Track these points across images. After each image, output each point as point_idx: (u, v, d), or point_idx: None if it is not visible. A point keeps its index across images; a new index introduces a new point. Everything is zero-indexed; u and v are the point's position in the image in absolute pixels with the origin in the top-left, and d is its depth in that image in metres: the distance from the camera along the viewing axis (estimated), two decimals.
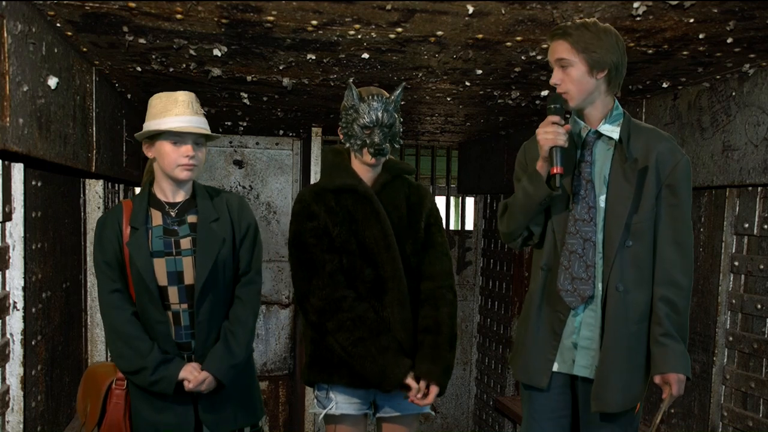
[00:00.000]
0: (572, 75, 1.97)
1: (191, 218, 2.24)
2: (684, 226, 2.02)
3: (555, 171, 1.99)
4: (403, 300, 2.28)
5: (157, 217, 2.23)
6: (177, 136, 2.16)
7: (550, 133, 1.97)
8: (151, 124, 2.17)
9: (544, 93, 3.23)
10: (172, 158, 2.17)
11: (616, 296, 2.00)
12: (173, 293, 2.19)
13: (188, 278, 2.19)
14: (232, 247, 2.26)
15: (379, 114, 2.24)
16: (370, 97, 2.26)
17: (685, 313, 2.02)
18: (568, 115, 2.09)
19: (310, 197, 2.31)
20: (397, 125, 2.31)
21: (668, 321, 1.98)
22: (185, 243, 2.21)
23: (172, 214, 2.24)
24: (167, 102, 2.17)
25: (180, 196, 2.26)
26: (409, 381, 2.24)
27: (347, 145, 2.32)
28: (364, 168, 2.34)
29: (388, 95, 2.30)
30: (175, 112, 2.15)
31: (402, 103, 3.49)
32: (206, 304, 2.19)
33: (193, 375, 2.16)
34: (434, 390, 2.27)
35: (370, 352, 2.21)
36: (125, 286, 2.19)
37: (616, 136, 2.03)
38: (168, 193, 2.25)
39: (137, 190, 4.92)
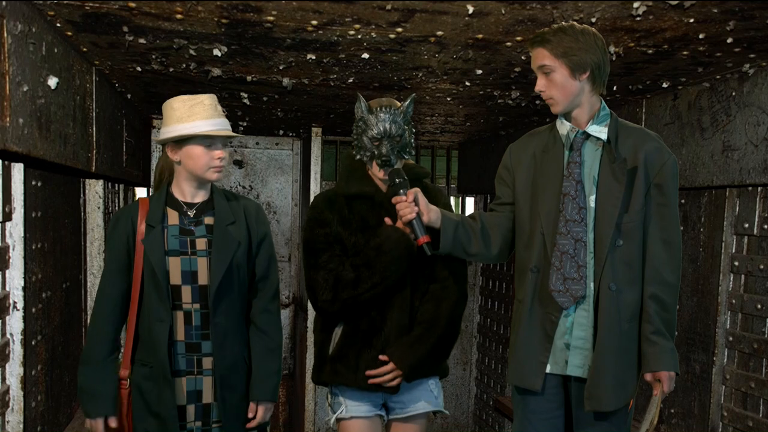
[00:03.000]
0: (555, 80, 2.00)
1: (208, 220, 2.25)
2: (672, 224, 2.05)
3: (421, 242, 2.13)
4: (403, 305, 2.28)
5: (173, 217, 2.24)
6: (209, 140, 2.18)
7: (400, 211, 2.13)
8: (179, 128, 2.16)
9: None
10: (204, 161, 2.18)
11: (608, 295, 2.01)
12: (186, 292, 2.20)
13: (202, 278, 2.20)
14: (248, 251, 2.28)
15: (387, 125, 2.25)
16: (379, 109, 2.27)
17: (673, 309, 2.05)
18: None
19: (324, 204, 2.33)
20: (407, 136, 2.30)
21: (658, 318, 2.02)
22: (200, 243, 2.22)
23: (189, 214, 2.25)
24: (194, 105, 2.17)
25: (199, 197, 2.27)
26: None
27: (358, 156, 2.33)
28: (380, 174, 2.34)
29: (398, 105, 2.29)
30: (203, 115, 2.16)
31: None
32: (221, 306, 2.20)
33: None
34: (396, 373, 2.27)
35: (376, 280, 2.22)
36: (122, 280, 2.21)
37: (604, 136, 2.04)
38: (187, 193, 2.26)
39: (137, 190, 4.94)
